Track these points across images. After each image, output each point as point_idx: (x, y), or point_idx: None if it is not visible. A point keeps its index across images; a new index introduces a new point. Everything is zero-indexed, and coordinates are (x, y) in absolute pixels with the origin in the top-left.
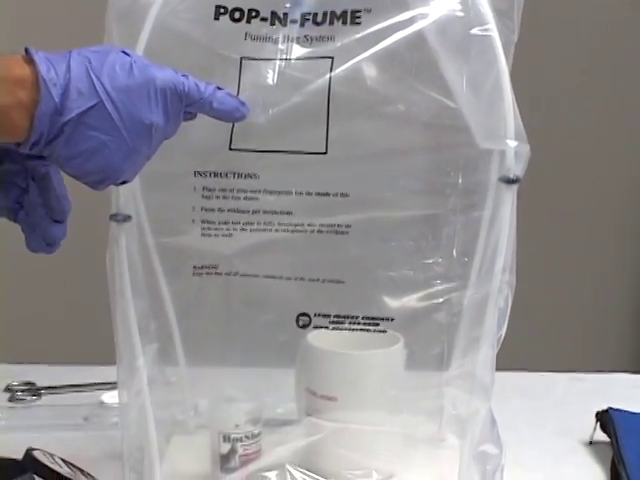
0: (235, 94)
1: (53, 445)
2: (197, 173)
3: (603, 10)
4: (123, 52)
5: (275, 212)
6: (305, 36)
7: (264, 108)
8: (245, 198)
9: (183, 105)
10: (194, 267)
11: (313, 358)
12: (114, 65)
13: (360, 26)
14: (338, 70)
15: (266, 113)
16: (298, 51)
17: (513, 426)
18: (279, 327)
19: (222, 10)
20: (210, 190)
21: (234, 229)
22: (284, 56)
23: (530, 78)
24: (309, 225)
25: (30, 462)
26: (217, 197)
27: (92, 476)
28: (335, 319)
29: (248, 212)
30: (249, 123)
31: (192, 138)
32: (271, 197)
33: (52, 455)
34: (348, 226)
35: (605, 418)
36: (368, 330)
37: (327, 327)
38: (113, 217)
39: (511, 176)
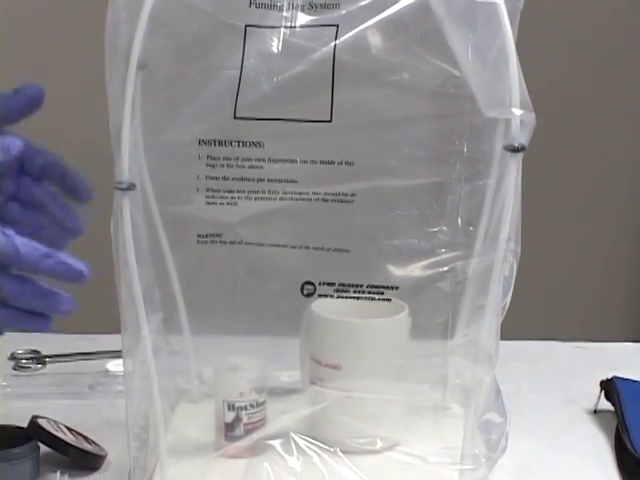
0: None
1: (58, 413)
2: (202, 141)
3: None
4: None
5: (280, 180)
6: (310, 3)
7: (269, 76)
8: (250, 166)
9: None
10: (198, 235)
11: (317, 326)
12: None
13: None
14: (343, 38)
15: (271, 81)
16: (303, 18)
17: (517, 395)
18: (284, 295)
19: None
20: (214, 158)
21: (239, 197)
22: (289, 24)
23: (536, 46)
24: (314, 193)
25: (35, 430)
26: (222, 165)
27: (96, 444)
28: (340, 287)
29: (253, 180)
30: (254, 91)
31: (196, 106)
32: (276, 165)
33: (57, 423)
34: (353, 195)
35: (609, 387)
36: (373, 299)
37: (332, 296)
38: (117, 185)
39: (516, 145)
